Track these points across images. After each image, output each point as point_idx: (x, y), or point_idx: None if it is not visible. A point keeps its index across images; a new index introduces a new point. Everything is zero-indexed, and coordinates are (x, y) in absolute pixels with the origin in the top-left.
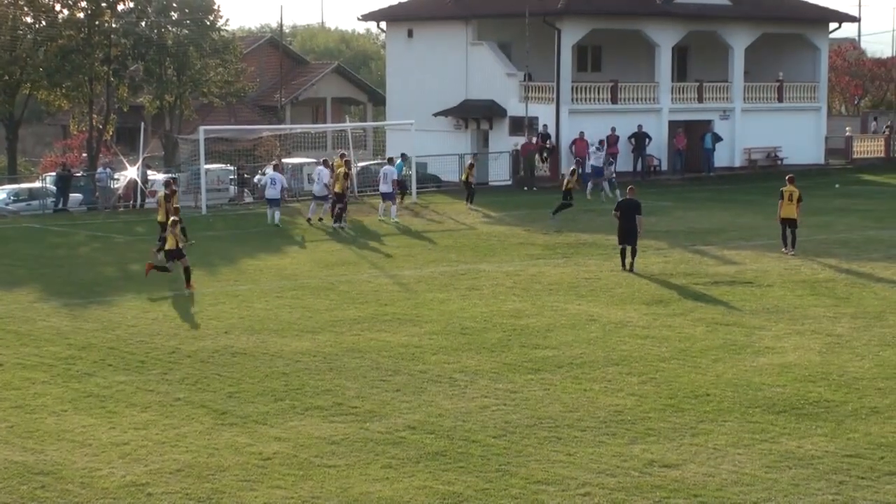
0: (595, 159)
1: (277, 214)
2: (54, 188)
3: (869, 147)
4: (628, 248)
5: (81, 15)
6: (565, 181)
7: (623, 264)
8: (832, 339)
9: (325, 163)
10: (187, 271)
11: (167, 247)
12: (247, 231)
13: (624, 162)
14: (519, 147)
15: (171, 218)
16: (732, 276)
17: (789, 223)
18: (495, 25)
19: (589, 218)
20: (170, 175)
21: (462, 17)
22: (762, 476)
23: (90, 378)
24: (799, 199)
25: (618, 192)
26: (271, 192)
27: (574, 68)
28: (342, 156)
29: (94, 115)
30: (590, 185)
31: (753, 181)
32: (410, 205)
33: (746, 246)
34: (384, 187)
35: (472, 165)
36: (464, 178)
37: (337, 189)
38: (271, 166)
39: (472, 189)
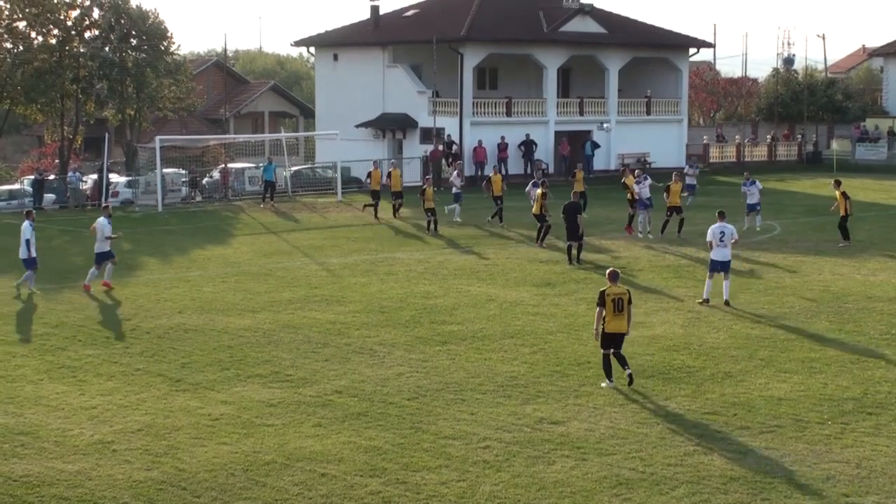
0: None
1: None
2: (31, 189)
3: (722, 153)
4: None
5: (53, 41)
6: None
7: (570, 259)
8: (693, 315)
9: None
10: (548, 230)
11: (533, 211)
12: (197, 226)
13: (514, 166)
14: (428, 153)
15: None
16: (608, 262)
17: (675, 209)
18: (408, 50)
19: (485, 216)
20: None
21: (380, 43)
22: (634, 430)
23: (63, 352)
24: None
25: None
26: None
27: (475, 86)
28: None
29: (65, 127)
30: (641, 216)
31: None
32: (337, 203)
33: (620, 237)
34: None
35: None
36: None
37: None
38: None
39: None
